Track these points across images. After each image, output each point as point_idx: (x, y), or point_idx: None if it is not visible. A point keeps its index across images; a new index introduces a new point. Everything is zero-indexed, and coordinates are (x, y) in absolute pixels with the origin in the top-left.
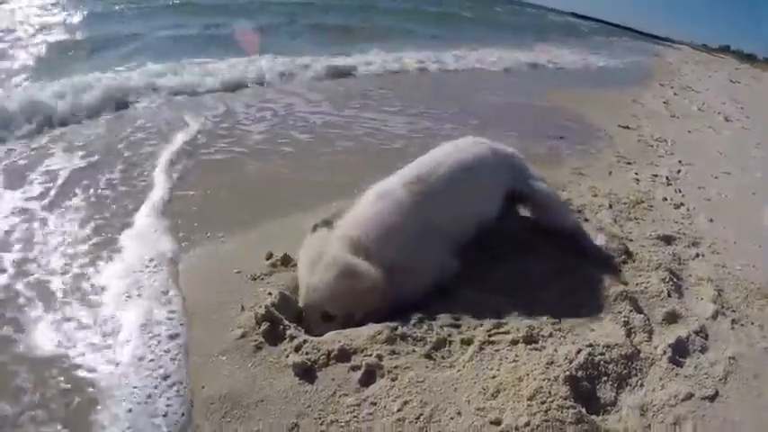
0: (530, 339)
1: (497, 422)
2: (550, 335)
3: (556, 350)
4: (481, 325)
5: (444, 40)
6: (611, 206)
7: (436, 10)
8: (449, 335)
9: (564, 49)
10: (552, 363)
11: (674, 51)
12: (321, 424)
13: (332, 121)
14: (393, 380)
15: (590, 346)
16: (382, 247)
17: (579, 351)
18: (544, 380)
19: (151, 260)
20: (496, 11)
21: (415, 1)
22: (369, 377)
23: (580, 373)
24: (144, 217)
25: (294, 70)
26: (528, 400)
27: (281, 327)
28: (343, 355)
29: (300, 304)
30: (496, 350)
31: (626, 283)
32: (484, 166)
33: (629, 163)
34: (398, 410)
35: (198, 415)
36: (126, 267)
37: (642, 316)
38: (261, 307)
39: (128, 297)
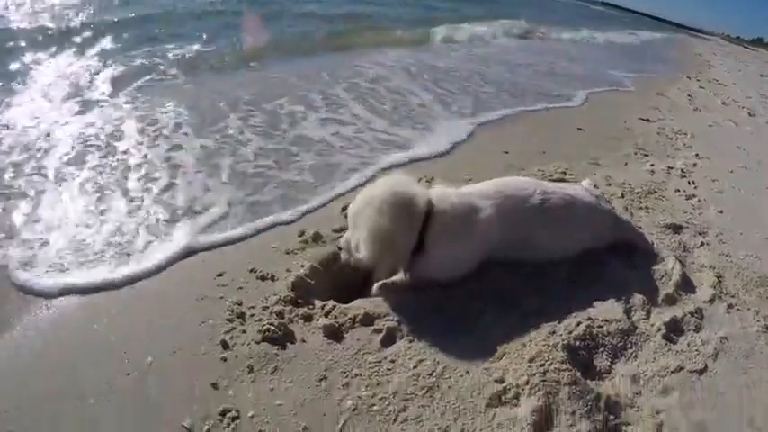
0: (539, 313)
1: (500, 380)
2: (557, 309)
3: (559, 322)
4: (496, 299)
5: None
6: (623, 195)
7: None
8: (465, 307)
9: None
10: (554, 332)
11: (705, 43)
12: (346, 376)
13: None
14: (410, 341)
15: (589, 319)
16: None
17: (579, 323)
18: (544, 345)
19: None
20: None
21: None
22: (389, 339)
23: (578, 343)
24: None
25: None
26: (528, 362)
27: (312, 293)
28: (367, 319)
29: None
30: (507, 321)
31: (633, 267)
32: None
33: (645, 155)
34: (414, 367)
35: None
36: None
37: (642, 297)
38: (294, 276)
39: None
